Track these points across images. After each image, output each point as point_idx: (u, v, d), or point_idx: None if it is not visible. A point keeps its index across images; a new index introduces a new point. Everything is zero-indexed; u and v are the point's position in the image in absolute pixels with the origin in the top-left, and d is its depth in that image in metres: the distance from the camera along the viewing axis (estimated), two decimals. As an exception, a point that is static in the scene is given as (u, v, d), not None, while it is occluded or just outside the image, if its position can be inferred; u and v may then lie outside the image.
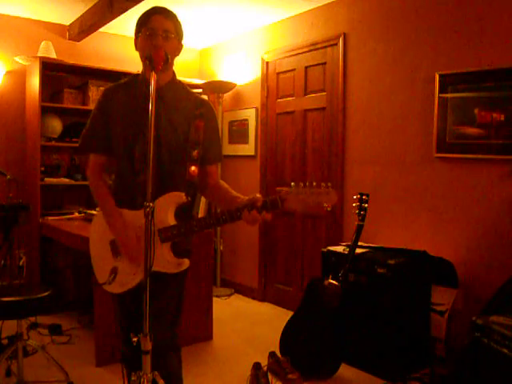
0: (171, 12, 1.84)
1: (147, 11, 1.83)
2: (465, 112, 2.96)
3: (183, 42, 1.91)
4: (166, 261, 1.77)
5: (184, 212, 1.82)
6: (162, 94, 1.82)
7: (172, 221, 1.76)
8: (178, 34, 1.85)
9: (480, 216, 2.94)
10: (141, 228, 1.67)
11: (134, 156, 1.82)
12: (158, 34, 1.77)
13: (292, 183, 1.58)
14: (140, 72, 1.90)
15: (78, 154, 1.93)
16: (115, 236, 1.85)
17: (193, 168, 1.82)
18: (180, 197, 1.76)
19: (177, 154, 1.83)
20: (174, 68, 1.93)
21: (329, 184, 1.57)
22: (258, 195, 1.65)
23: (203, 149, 1.87)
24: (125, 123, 1.84)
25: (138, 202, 1.77)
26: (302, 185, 1.56)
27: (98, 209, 2.02)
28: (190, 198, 1.80)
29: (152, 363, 1.60)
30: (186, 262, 1.79)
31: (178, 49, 1.87)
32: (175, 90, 1.90)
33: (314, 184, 1.56)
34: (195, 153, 1.83)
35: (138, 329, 1.63)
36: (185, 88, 1.96)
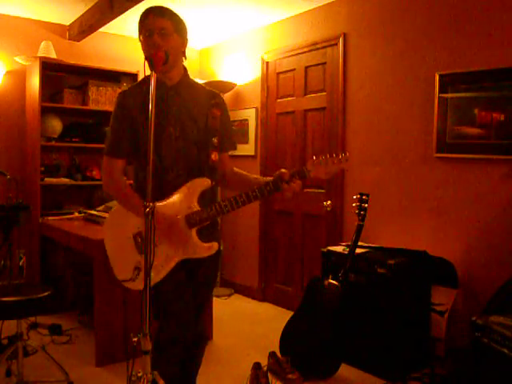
0: (167, 9, 1.86)
1: (143, 13, 1.86)
2: (465, 112, 2.96)
3: (187, 36, 1.93)
4: (195, 246, 1.85)
5: (207, 198, 1.90)
6: (178, 90, 1.92)
7: (197, 206, 1.85)
8: (178, 30, 1.86)
9: (480, 216, 2.94)
10: (169, 216, 1.81)
11: (162, 154, 1.88)
12: (155, 33, 1.80)
13: (314, 157, 1.83)
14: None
15: (105, 156, 1.98)
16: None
17: (214, 155, 1.92)
18: (206, 182, 1.87)
19: (200, 143, 1.92)
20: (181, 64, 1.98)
21: (347, 153, 1.85)
22: (284, 170, 1.82)
23: (221, 137, 1.96)
24: (146, 124, 1.86)
25: (166, 196, 1.87)
26: (323, 157, 1.83)
27: (113, 207, 2.07)
28: (213, 183, 1.91)
29: (189, 354, 1.82)
30: (215, 245, 1.88)
31: (181, 44, 1.90)
32: (189, 85, 1.98)
33: (334, 154, 1.83)
34: (215, 140, 1.93)
35: (181, 320, 1.82)
36: (197, 83, 2.06)
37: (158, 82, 1.81)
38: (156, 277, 1.83)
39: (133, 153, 1.97)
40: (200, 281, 2.02)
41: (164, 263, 1.85)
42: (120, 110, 1.94)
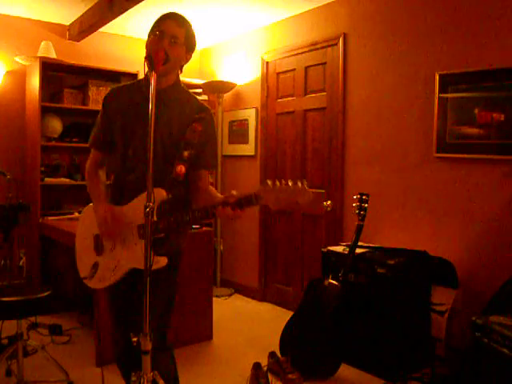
0: (186, 20, 1.86)
1: (163, 14, 1.85)
2: (465, 112, 2.96)
3: (192, 54, 1.93)
4: (142, 257, 1.75)
5: (170, 210, 1.80)
6: (163, 97, 1.84)
7: (153, 217, 1.75)
8: (187, 43, 1.86)
9: (480, 216, 2.94)
10: (124, 222, 1.79)
11: (128, 154, 1.87)
12: (166, 38, 1.79)
13: (268, 181, 1.60)
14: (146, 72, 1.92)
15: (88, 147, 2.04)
16: (97, 218, 1.88)
17: (180, 167, 1.84)
18: (160, 193, 1.75)
19: (169, 153, 1.85)
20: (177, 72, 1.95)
21: (305, 182, 1.57)
22: (234, 192, 1.67)
23: (197, 153, 1.88)
24: (123, 123, 1.89)
25: (126, 199, 1.85)
26: (279, 183, 1.57)
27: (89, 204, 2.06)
28: (171, 196, 1.80)
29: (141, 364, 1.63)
30: (162, 261, 1.77)
31: (184, 57, 1.89)
32: (177, 94, 1.93)
33: (290, 182, 1.57)
34: (186, 153, 1.85)
35: (133, 328, 1.65)
36: (187, 93, 1.99)
37: (147, 83, 1.79)
38: (106, 281, 1.86)
39: (111, 149, 1.96)
40: (151, 290, 1.95)
41: (115, 269, 1.84)
42: (103, 106, 1.98)
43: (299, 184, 1.56)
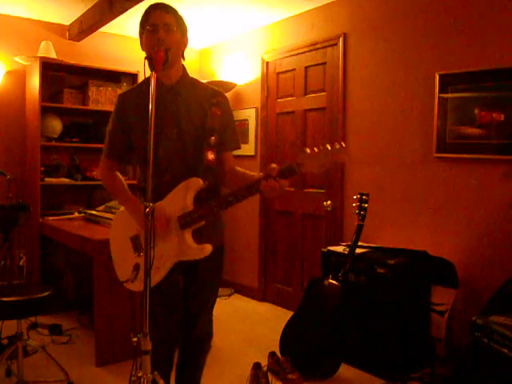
0: (170, 6, 1.87)
1: (147, 8, 1.86)
2: (465, 112, 2.96)
3: (188, 36, 1.94)
4: (187, 247, 1.80)
5: (206, 198, 1.83)
6: (178, 89, 1.89)
7: (190, 207, 1.80)
8: (181, 28, 1.87)
9: (480, 216, 2.94)
10: (164, 217, 1.79)
11: (159, 156, 1.87)
12: (160, 28, 1.79)
13: (307, 148, 1.62)
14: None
15: (103, 156, 2.04)
16: (137, 216, 1.89)
17: (210, 154, 1.87)
18: (197, 182, 1.81)
19: (197, 142, 1.88)
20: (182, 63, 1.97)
21: (342, 143, 1.61)
22: (274, 165, 1.70)
23: (220, 136, 1.91)
24: (143, 126, 1.86)
25: (161, 197, 1.86)
26: (316, 148, 1.60)
27: (120, 208, 2.08)
28: (207, 183, 1.84)
29: (193, 353, 1.82)
30: (207, 248, 1.81)
31: (182, 42, 1.90)
32: (189, 84, 1.95)
33: (327, 145, 1.60)
34: (213, 139, 1.88)
35: (183, 325, 1.82)
36: (197, 80, 2.02)
37: (157, 82, 1.82)
38: (155, 277, 1.83)
39: (131, 154, 1.98)
40: (200, 282, 2.01)
41: (161, 264, 1.84)
42: (116, 112, 1.96)
43: (336, 145, 1.59)
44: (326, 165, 1.62)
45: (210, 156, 1.86)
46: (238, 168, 2.01)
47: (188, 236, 1.81)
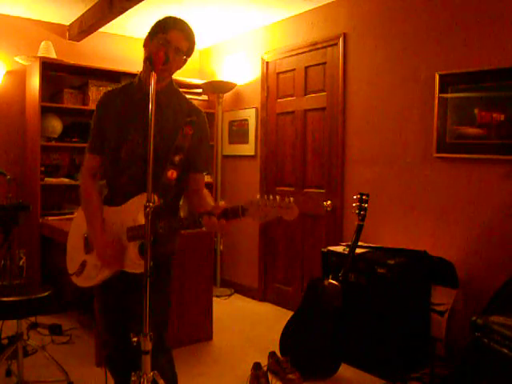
0: (192, 32, 1.84)
1: (171, 21, 1.82)
2: (465, 112, 2.96)
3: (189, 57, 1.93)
4: (130, 260, 1.80)
5: (160, 215, 1.75)
6: (158, 98, 1.79)
7: (139, 221, 1.76)
8: (188, 53, 1.86)
9: (480, 216, 2.94)
10: (115, 225, 1.81)
11: (121, 157, 1.86)
12: (172, 49, 1.78)
13: (257, 195, 1.58)
14: (139, 73, 1.91)
15: (86, 153, 2.04)
16: (92, 239, 1.90)
17: (171, 172, 1.82)
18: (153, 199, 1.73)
19: (161, 157, 1.80)
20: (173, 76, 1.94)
21: (292, 199, 1.55)
22: (222, 203, 1.67)
23: (190, 156, 1.87)
24: (115, 126, 1.88)
25: (118, 200, 1.86)
26: (266, 197, 1.55)
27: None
28: (162, 201, 1.76)
29: (137, 366, 1.62)
30: (143, 265, 1.73)
31: (180, 66, 1.89)
32: (169, 97, 1.90)
33: (278, 198, 1.55)
34: (177, 158, 1.83)
35: (126, 329, 1.70)
36: (180, 96, 1.96)
37: (140, 85, 1.85)
38: (92, 280, 1.91)
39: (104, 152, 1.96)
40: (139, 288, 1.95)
41: (102, 268, 1.86)
42: (96, 109, 1.97)
43: (286, 200, 1.53)
44: (270, 217, 1.58)
45: (170, 175, 1.82)
46: (206, 193, 1.96)
47: (132, 249, 1.79)
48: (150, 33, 1.86)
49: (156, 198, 1.70)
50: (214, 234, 3.97)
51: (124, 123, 1.86)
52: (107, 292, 1.96)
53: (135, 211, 1.77)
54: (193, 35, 1.85)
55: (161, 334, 1.95)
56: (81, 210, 2.07)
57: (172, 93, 1.93)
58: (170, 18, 1.85)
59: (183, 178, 1.89)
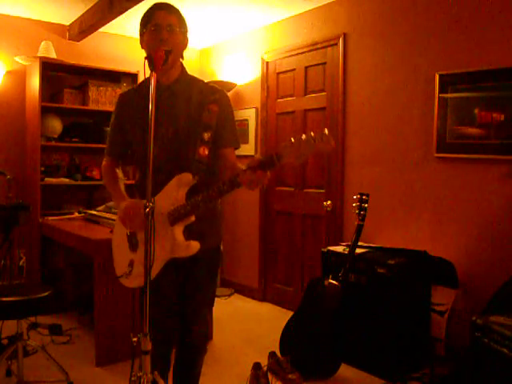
0: (174, 7, 1.87)
1: (150, 8, 1.86)
2: (465, 112, 2.96)
3: (188, 36, 1.94)
4: (175, 244, 1.79)
5: (198, 193, 1.79)
6: (174, 88, 1.90)
7: (179, 202, 1.79)
8: (183, 28, 1.88)
9: (480, 216, 2.94)
10: (156, 216, 1.73)
11: (155, 155, 1.85)
12: (163, 28, 1.80)
13: (292, 138, 1.53)
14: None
15: (105, 155, 2.11)
16: (116, 206, 1.97)
17: (202, 149, 1.85)
18: (187, 177, 1.80)
19: (192, 138, 1.87)
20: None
21: (326, 130, 1.50)
22: (257, 156, 1.67)
23: (217, 133, 1.91)
24: (141, 125, 1.87)
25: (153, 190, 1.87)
26: (299, 137, 1.52)
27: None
28: (197, 178, 1.82)
29: (190, 354, 1.82)
30: (194, 245, 1.79)
31: (183, 43, 1.90)
32: (186, 83, 1.95)
33: (312, 133, 1.50)
34: (206, 135, 1.87)
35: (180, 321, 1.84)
36: (197, 80, 2.01)
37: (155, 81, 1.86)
38: (140, 278, 1.85)
39: (128, 154, 2.01)
40: (195, 282, 2.00)
41: (153, 262, 1.85)
42: (116, 111, 2.00)
43: (320, 132, 1.50)
44: (307, 154, 1.52)
45: (202, 151, 1.85)
46: (239, 165, 1.98)
47: (177, 232, 1.79)
48: (140, 33, 1.89)
49: (191, 176, 1.79)
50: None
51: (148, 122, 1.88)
52: (163, 285, 1.90)
53: (173, 196, 1.80)
54: (177, 10, 1.88)
55: (204, 324, 2.11)
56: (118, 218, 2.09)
57: (188, 79, 1.97)
58: (148, 9, 1.88)
59: (215, 155, 1.93)
